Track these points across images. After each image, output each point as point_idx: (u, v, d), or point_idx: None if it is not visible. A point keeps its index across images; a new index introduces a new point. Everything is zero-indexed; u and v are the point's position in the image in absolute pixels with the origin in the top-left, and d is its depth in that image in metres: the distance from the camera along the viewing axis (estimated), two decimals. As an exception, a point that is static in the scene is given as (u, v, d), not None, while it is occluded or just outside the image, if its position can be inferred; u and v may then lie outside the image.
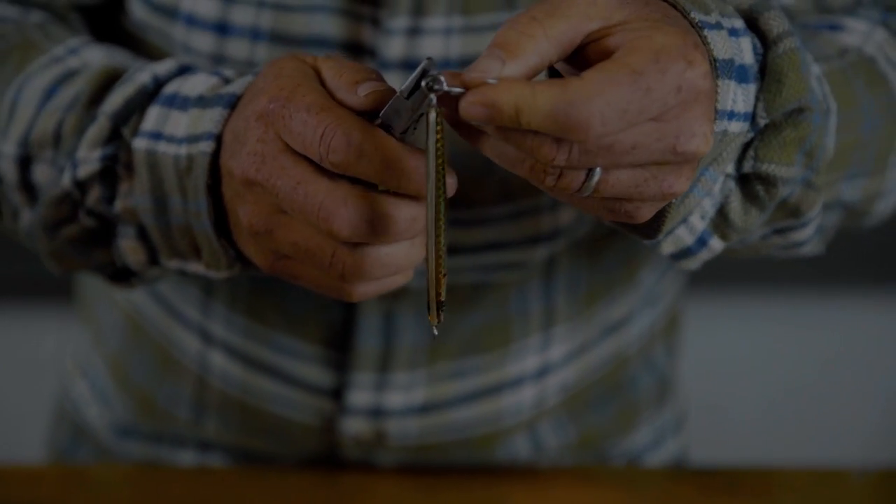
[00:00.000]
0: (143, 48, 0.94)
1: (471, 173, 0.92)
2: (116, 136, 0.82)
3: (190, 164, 0.79)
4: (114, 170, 0.82)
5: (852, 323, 1.95)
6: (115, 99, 0.82)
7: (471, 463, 1.03)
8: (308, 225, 0.74)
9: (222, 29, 0.90)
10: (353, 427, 1.00)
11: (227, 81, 0.81)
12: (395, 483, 1.02)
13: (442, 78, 0.69)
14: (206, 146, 0.78)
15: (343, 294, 0.77)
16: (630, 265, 1.03)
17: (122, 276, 0.87)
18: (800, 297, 1.94)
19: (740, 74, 0.73)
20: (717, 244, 0.80)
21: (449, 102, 0.69)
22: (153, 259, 0.85)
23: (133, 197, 0.82)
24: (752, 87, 0.74)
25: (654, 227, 0.75)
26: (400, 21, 0.88)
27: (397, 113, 0.73)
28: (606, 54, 0.68)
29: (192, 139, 0.79)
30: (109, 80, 0.85)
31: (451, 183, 0.72)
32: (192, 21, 0.90)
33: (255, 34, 0.89)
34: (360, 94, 0.73)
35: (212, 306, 1.00)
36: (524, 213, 0.94)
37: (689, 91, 0.68)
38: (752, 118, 0.75)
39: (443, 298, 0.74)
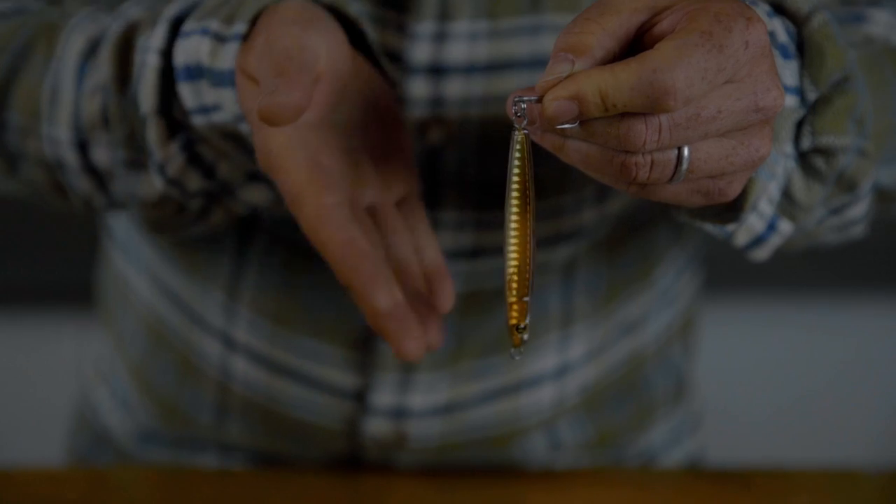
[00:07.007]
0: None
1: (493, 174, 0.93)
2: (173, 124, 0.83)
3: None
4: (195, 151, 0.84)
5: (866, 325, 1.96)
6: (147, 96, 0.82)
7: (489, 462, 1.04)
8: None
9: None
10: (375, 428, 1.01)
11: (218, 38, 0.80)
12: (414, 484, 1.02)
13: (518, 95, 0.69)
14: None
15: None
16: (647, 264, 1.04)
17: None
18: (814, 300, 1.94)
19: (782, 51, 0.75)
20: (785, 227, 0.81)
21: (529, 115, 0.70)
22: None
23: (235, 159, 0.84)
24: (794, 64, 0.76)
25: (737, 206, 0.76)
26: (426, 26, 0.89)
27: None
28: (662, 38, 0.69)
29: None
30: (125, 52, 0.85)
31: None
32: None
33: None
34: None
35: (235, 311, 1.01)
36: (546, 215, 0.95)
37: (755, 46, 0.69)
38: (800, 94, 0.76)
39: (522, 323, 0.74)
